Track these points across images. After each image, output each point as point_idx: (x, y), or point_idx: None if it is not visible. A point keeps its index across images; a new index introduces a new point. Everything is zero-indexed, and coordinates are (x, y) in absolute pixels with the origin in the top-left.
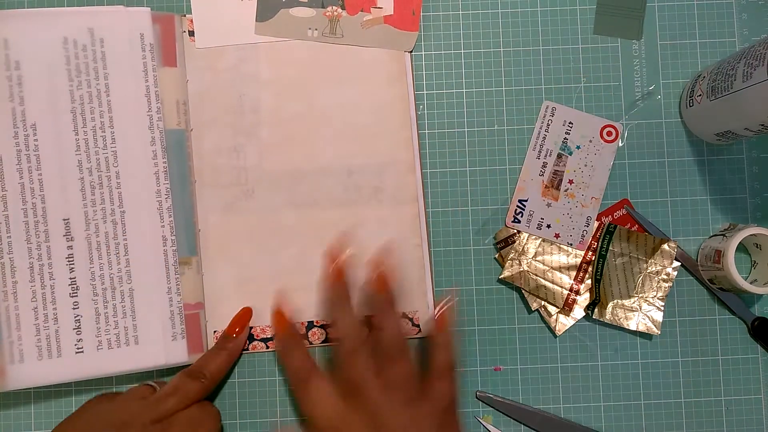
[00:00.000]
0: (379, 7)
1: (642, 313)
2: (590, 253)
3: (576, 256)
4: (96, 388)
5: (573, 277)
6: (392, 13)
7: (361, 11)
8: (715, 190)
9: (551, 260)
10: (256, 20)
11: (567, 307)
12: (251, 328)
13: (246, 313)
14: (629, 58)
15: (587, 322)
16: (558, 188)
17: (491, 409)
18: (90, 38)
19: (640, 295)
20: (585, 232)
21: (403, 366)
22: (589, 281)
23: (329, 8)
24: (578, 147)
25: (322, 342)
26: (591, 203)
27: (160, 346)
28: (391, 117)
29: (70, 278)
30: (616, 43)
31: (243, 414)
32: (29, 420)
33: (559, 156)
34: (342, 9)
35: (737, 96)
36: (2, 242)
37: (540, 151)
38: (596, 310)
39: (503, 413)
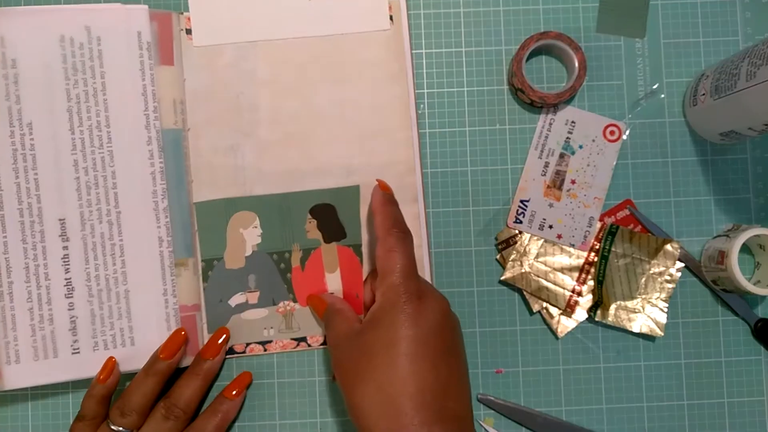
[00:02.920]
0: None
1: (645, 314)
2: (592, 254)
3: (578, 257)
4: None
5: (575, 279)
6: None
7: None
8: (719, 190)
9: (553, 261)
10: (207, 332)
11: (569, 309)
12: None
13: (221, 334)
14: (632, 56)
15: (589, 324)
16: (560, 188)
17: (492, 411)
18: (87, 36)
19: (643, 296)
20: (587, 232)
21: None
22: (591, 282)
23: (281, 304)
24: (581, 146)
25: (321, 344)
26: (593, 203)
27: (155, 348)
28: (391, 116)
29: (66, 279)
30: (619, 42)
31: (242, 416)
32: (26, 422)
33: (562, 156)
34: (294, 302)
35: (741, 95)
36: None
37: (542, 151)
38: (599, 311)
39: (505, 416)
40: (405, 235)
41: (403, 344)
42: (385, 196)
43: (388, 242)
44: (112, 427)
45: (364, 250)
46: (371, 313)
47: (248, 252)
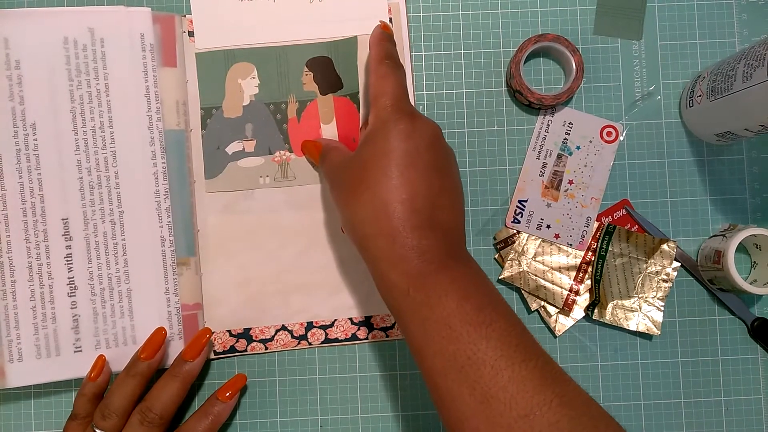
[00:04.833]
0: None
1: (642, 313)
2: (590, 253)
3: (576, 257)
4: None
5: (573, 278)
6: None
7: None
8: (715, 191)
9: (551, 261)
10: (205, 178)
11: (567, 308)
12: (249, 329)
13: (204, 334)
14: (629, 58)
15: (587, 323)
16: (558, 189)
17: None
18: (90, 38)
19: (640, 295)
20: (585, 232)
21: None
22: (588, 282)
23: (277, 153)
24: (578, 147)
25: (322, 342)
26: (591, 203)
27: None
28: None
29: (69, 278)
30: (616, 44)
31: (243, 414)
32: (29, 420)
33: (559, 156)
34: (290, 152)
35: (737, 97)
36: (1, 241)
37: (540, 152)
38: (596, 310)
39: None
40: (398, 66)
41: (395, 154)
42: (384, 33)
43: (381, 70)
44: (96, 429)
45: (362, 98)
46: (364, 135)
47: (246, 102)
